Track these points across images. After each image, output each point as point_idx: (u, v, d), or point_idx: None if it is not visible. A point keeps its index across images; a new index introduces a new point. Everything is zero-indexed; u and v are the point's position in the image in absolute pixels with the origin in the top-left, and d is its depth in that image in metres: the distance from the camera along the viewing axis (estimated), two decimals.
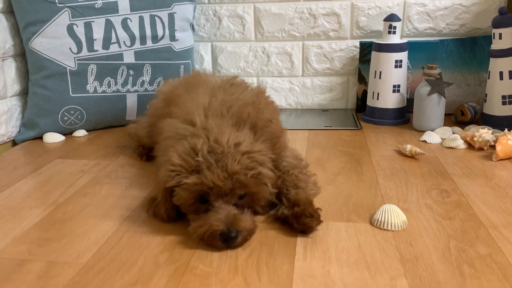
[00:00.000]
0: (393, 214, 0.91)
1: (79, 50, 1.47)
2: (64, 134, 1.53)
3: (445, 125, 1.50)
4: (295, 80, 1.78)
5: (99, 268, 0.79)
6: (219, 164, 0.84)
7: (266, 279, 0.75)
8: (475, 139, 1.32)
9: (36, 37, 1.44)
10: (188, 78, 1.23)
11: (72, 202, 1.05)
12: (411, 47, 1.61)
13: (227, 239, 0.82)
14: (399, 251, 0.82)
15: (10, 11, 1.48)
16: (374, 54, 1.58)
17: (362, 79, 1.72)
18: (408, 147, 1.28)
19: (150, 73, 1.57)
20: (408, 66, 1.61)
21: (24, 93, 1.56)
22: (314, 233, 0.89)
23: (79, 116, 1.52)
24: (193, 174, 0.85)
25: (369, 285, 0.73)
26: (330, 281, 0.74)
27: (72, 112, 1.51)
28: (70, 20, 1.45)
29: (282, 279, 0.75)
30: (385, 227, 0.90)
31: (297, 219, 0.88)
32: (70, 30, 1.45)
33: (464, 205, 1.00)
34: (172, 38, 1.58)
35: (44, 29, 1.43)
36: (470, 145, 1.35)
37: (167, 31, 1.57)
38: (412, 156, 1.28)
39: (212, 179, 0.83)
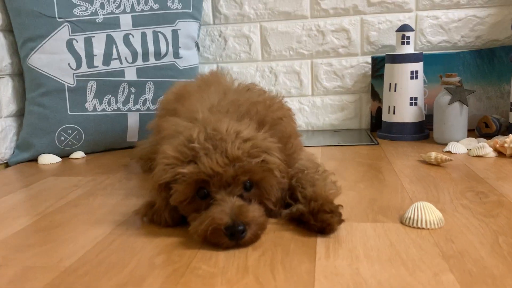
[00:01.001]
0: (427, 211, 0.78)
1: (79, 66, 1.41)
2: (60, 156, 1.44)
3: (468, 137, 1.39)
4: (304, 99, 1.70)
5: (83, 271, 0.67)
6: (218, 149, 0.73)
7: (282, 278, 0.62)
8: (506, 145, 1.20)
9: (34, 53, 1.38)
10: (204, 76, 1.15)
11: (61, 212, 0.94)
12: (426, 60, 1.53)
13: (233, 234, 0.69)
14: (439, 248, 0.69)
15: (9, 30, 1.43)
16: (387, 66, 1.50)
17: (376, 96, 1.63)
18: (433, 154, 1.16)
19: (152, 91, 1.50)
20: (424, 80, 1.53)
21: (20, 114, 1.48)
22: (335, 232, 0.76)
23: (77, 136, 1.43)
24: (190, 164, 0.74)
25: (409, 281, 0.60)
26: (361, 279, 0.61)
27: (70, 131, 1.42)
28: (69, 35, 1.39)
29: (302, 278, 0.62)
30: (419, 225, 0.77)
31: (314, 215, 0.76)
32: (70, 45, 1.40)
33: (506, 204, 0.87)
34: (176, 55, 1.52)
35: (42, 45, 1.38)
36: (500, 154, 1.24)
37: (170, 48, 1.51)
38: (437, 164, 1.16)
39: (211, 165, 0.72)
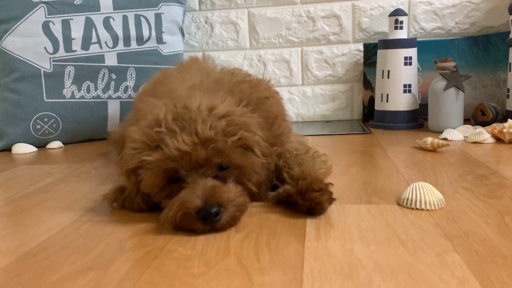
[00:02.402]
0: (427, 192, 0.72)
1: (56, 50, 1.33)
2: (36, 146, 1.35)
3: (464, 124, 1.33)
4: (294, 89, 1.64)
5: (44, 255, 0.59)
6: (187, 130, 0.66)
7: (267, 260, 0.55)
8: (504, 130, 1.14)
9: (7, 35, 1.30)
10: (183, 62, 1.08)
11: (28, 198, 0.86)
12: (420, 47, 1.47)
13: (206, 217, 0.62)
14: (441, 228, 0.63)
15: None
16: (380, 52, 1.44)
17: (368, 85, 1.57)
18: (429, 139, 1.10)
19: (134, 77, 1.42)
20: (418, 68, 1.47)
21: None
22: (326, 214, 0.69)
23: (54, 125, 1.35)
24: (157, 150, 0.66)
25: (410, 262, 0.53)
26: (355, 260, 0.54)
27: (46, 119, 1.34)
28: (46, 17, 1.32)
29: (290, 259, 0.55)
30: (418, 206, 0.70)
31: (302, 195, 0.69)
32: (46, 28, 1.32)
33: (509, 185, 0.81)
34: (159, 40, 1.45)
35: (16, 27, 1.30)
36: (498, 140, 1.18)
37: (153, 33, 1.44)
38: (434, 150, 1.10)
39: (177, 145, 0.64)
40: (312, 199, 0.68)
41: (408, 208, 0.71)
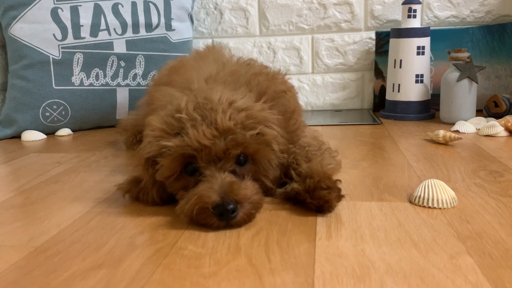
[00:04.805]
0: (439, 189, 0.71)
1: (64, 37, 1.32)
2: (46, 133, 1.35)
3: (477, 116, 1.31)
4: (304, 78, 1.62)
5: (55, 250, 0.59)
6: (207, 120, 0.66)
7: (278, 260, 0.55)
8: None
9: (16, 22, 1.29)
10: (199, 51, 1.07)
11: (38, 189, 0.86)
12: (433, 36, 1.44)
13: (223, 213, 0.62)
14: (454, 228, 0.62)
15: None
16: (393, 41, 1.41)
17: (380, 74, 1.55)
18: (441, 132, 1.08)
19: (143, 65, 1.41)
20: (430, 58, 1.45)
21: (3, 89, 1.40)
22: (337, 212, 0.69)
23: (63, 112, 1.35)
24: (177, 137, 0.66)
25: (422, 265, 0.52)
26: (367, 261, 0.54)
27: (55, 107, 1.34)
28: (54, 4, 1.30)
29: (301, 259, 0.55)
30: (430, 205, 0.70)
31: (310, 193, 0.68)
32: (55, 14, 1.31)
33: None
34: (168, 27, 1.44)
35: (25, 13, 1.29)
36: (511, 133, 1.16)
37: (162, 19, 1.42)
38: (446, 143, 1.08)
39: (197, 138, 0.64)
40: (320, 197, 0.67)
41: (420, 206, 0.70)
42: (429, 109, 1.43)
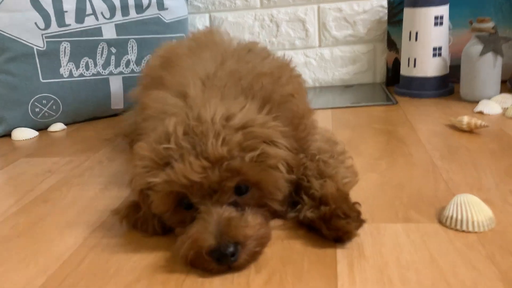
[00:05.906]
0: (474, 208, 0.62)
1: (47, 25, 1.21)
2: (38, 129, 1.27)
3: (501, 92, 1.21)
4: (311, 52, 1.50)
5: None
6: (197, 148, 0.57)
7: None
8: None
9: None
10: (196, 35, 0.97)
11: (26, 212, 0.79)
12: (451, 2, 1.31)
13: (221, 258, 0.54)
14: (495, 264, 0.54)
15: None
16: (407, 11, 1.28)
17: (393, 45, 1.42)
18: (465, 119, 0.98)
19: (136, 50, 1.30)
20: (448, 26, 1.32)
21: None
22: (359, 241, 0.61)
23: (54, 107, 1.26)
24: (165, 170, 0.58)
25: None
26: None
27: (45, 101, 1.24)
28: None
29: None
30: (465, 228, 0.61)
31: (326, 222, 0.60)
32: (34, 0, 1.19)
33: None
34: (161, 6, 1.31)
35: (2, 1, 1.17)
36: None
37: None
38: (470, 131, 0.99)
39: (184, 172, 0.56)
40: (338, 228, 0.59)
41: (452, 229, 0.62)
42: (447, 84, 1.32)
